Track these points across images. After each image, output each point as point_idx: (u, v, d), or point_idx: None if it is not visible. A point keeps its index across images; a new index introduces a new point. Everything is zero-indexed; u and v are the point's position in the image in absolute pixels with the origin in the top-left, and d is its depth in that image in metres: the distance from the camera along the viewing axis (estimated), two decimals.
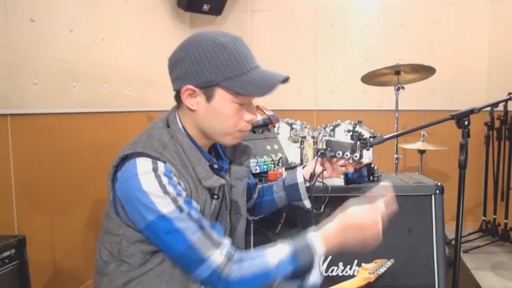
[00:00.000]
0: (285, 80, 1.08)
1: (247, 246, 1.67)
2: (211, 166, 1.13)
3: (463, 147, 1.56)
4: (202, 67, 1.04)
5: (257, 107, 2.24)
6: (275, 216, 1.58)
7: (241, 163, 1.29)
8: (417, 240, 1.64)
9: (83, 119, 2.34)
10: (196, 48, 1.05)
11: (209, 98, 1.06)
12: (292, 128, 2.52)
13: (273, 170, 1.91)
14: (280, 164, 1.96)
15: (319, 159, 1.34)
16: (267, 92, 1.05)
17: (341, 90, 3.75)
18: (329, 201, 1.63)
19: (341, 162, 1.36)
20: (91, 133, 2.40)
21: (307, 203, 1.40)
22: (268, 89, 1.05)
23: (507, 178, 3.13)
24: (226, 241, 1.05)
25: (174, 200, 0.99)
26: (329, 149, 1.33)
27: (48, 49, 2.10)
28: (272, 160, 1.95)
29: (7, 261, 1.51)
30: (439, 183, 1.67)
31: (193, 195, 1.07)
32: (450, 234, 2.41)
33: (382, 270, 1.21)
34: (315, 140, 2.49)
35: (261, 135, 2.12)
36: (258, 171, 1.88)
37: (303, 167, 1.42)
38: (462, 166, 1.58)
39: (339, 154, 1.31)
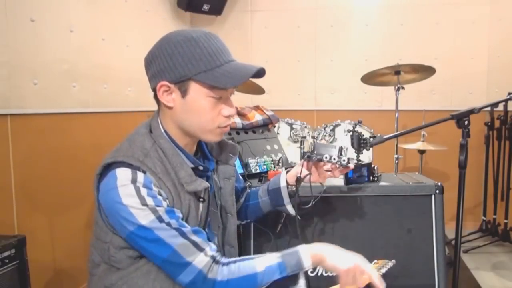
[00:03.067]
0: (260, 72, 1.09)
1: (247, 247, 1.68)
2: (196, 168, 1.13)
3: (463, 147, 1.56)
4: (175, 62, 1.03)
5: (257, 107, 2.24)
6: (275, 216, 1.58)
7: (227, 162, 1.28)
8: (417, 240, 1.64)
9: (83, 119, 2.34)
10: (168, 44, 1.05)
11: (184, 93, 1.06)
12: (292, 128, 2.51)
13: (273, 170, 1.91)
14: (280, 164, 1.96)
15: (305, 162, 1.30)
16: (239, 83, 1.05)
17: (341, 90, 3.75)
18: (329, 201, 1.64)
19: (328, 166, 1.29)
20: (91, 133, 2.40)
21: (290, 208, 1.37)
22: (241, 80, 1.05)
23: (507, 178, 3.13)
24: (213, 246, 1.05)
25: (154, 211, 0.99)
26: (315, 152, 1.27)
27: (48, 49, 2.10)
28: (272, 160, 1.95)
29: (7, 261, 1.51)
30: (439, 183, 1.67)
31: (175, 202, 1.07)
32: (450, 234, 2.41)
33: (383, 270, 1.21)
34: (315, 140, 2.48)
35: (261, 135, 2.12)
36: (258, 171, 1.88)
37: (287, 171, 1.39)
38: (462, 166, 1.59)
39: (326, 157, 1.26)
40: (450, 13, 3.54)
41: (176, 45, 1.04)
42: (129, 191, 0.99)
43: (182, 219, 1.06)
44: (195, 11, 3.54)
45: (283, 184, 1.36)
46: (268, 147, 2.08)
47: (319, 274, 1.63)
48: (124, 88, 2.75)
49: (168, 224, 1.00)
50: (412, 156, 3.35)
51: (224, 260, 1.04)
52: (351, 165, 1.28)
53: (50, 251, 2.12)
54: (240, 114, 2.10)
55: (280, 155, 2.07)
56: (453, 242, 2.73)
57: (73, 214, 2.28)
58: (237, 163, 1.80)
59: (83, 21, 2.35)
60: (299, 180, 1.31)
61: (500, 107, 3.02)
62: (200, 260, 1.00)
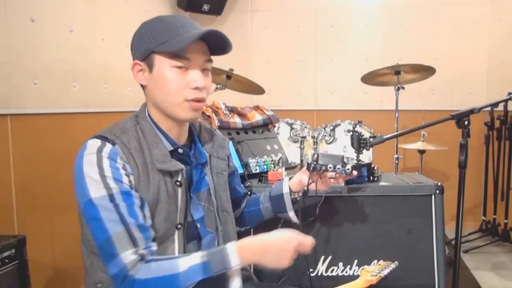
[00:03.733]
0: (215, 34, 1.05)
1: None
2: (175, 151, 1.13)
3: (463, 147, 1.56)
4: (142, 41, 1.07)
5: (257, 107, 2.24)
6: (274, 219, 1.58)
7: (219, 156, 1.27)
8: (417, 240, 1.64)
9: (83, 119, 2.34)
10: (139, 27, 1.10)
11: (150, 68, 1.07)
12: (292, 128, 2.51)
13: (273, 170, 1.91)
14: (280, 164, 1.96)
15: (310, 172, 1.30)
16: (186, 42, 1.02)
17: (341, 90, 3.75)
18: (329, 201, 1.64)
19: (331, 174, 1.31)
20: (91, 133, 2.35)
21: (292, 215, 1.36)
22: (188, 40, 1.02)
23: (507, 178, 3.13)
24: (153, 247, 1.01)
25: (107, 187, 0.98)
26: (320, 162, 1.30)
27: (48, 49, 2.10)
28: (272, 160, 1.95)
29: (7, 261, 1.51)
30: (439, 183, 1.67)
31: (142, 180, 1.04)
32: (450, 234, 2.41)
33: (385, 272, 1.20)
34: (315, 140, 2.48)
35: (261, 135, 2.12)
36: (258, 171, 1.88)
37: (289, 178, 1.38)
38: (462, 166, 1.59)
39: (330, 167, 1.28)
40: (450, 13, 3.54)
41: (143, 26, 1.09)
42: (91, 159, 1.00)
43: (142, 208, 1.02)
44: (195, 11, 3.54)
45: (285, 190, 1.35)
46: (268, 147, 2.08)
47: (319, 274, 1.64)
48: (124, 88, 2.75)
49: (116, 206, 0.97)
50: (412, 156, 3.35)
51: (150, 257, 0.99)
52: (355, 172, 1.30)
53: (50, 251, 2.12)
54: (240, 114, 2.10)
55: (280, 155, 2.07)
56: (453, 242, 2.73)
57: (73, 214, 2.25)
58: (237, 163, 1.80)
59: (83, 21, 2.35)
60: (305, 192, 1.32)
61: (500, 107, 3.03)
62: (127, 255, 0.96)
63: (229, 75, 2.55)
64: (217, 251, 0.99)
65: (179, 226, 1.10)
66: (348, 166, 1.28)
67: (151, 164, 1.07)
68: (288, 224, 1.36)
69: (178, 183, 1.10)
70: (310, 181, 1.31)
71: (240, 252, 0.98)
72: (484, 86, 3.56)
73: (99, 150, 1.01)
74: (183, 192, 1.11)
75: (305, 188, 1.32)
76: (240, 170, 1.80)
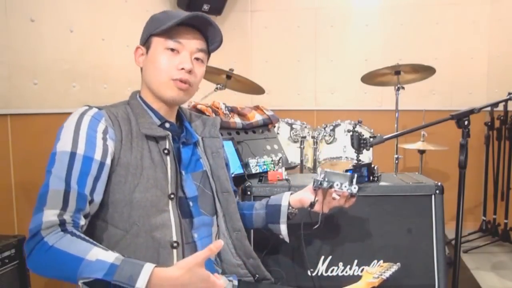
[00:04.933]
0: (201, 16, 1.13)
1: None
2: (162, 125, 1.17)
3: (463, 147, 1.57)
4: (145, 28, 1.18)
5: (257, 107, 2.24)
6: None
7: (212, 135, 1.29)
8: (417, 240, 1.64)
9: None
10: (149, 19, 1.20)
11: (147, 49, 1.16)
12: (292, 128, 2.51)
13: (273, 170, 1.90)
14: (280, 164, 1.96)
15: (315, 190, 1.28)
16: (174, 20, 1.09)
17: (341, 90, 3.75)
18: None
19: (337, 194, 1.26)
20: None
21: (283, 228, 1.32)
22: (175, 18, 1.10)
23: (507, 178, 3.13)
24: (80, 219, 0.96)
25: (74, 145, 1.00)
26: (326, 179, 1.26)
27: (48, 49, 2.10)
28: (272, 160, 1.94)
29: (7, 261, 1.51)
30: (439, 183, 1.67)
31: (123, 145, 1.06)
32: (450, 234, 2.41)
33: (387, 274, 1.19)
34: (315, 140, 2.49)
35: (261, 135, 2.12)
36: (258, 171, 1.88)
37: (291, 193, 1.36)
38: (462, 166, 1.59)
39: (337, 185, 1.25)
40: (450, 13, 3.54)
41: (151, 17, 1.19)
42: (73, 118, 1.05)
43: (96, 180, 1.00)
44: (195, 11, 3.54)
45: (284, 203, 1.33)
46: (268, 147, 2.08)
47: (319, 274, 1.63)
48: (124, 88, 2.74)
49: (70, 166, 0.98)
50: (412, 156, 3.35)
51: (73, 230, 0.93)
52: (353, 199, 1.28)
53: None
54: (240, 114, 2.10)
55: (280, 155, 2.07)
56: (453, 242, 2.73)
57: None
58: (237, 163, 1.80)
59: (83, 21, 2.35)
60: (312, 205, 1.29)
61: (500, 107, 3.02)
62: (49, 215, 0.92)
63: (229, 75, 2.56)
64: (134, 263, 0.88)
65: (171, 196, 1.10)
66: (355, 186, 1.24)
67: (136, 132, 1.10)
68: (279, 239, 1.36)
69: (165, 151, 1.12)
70: (316, 198, 1.28)
71: (154, 279, 0.86)
72: (484, 86, 3.56)
73: (83, 113, 1.06)
74: (171, 161, 1.12)
75: (311, 201, 1.28)
76: (240, 170, 1.80)
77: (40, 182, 1.02)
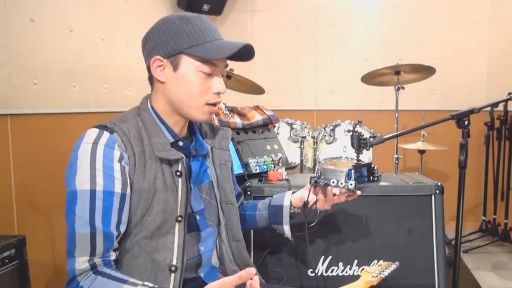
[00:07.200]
0: (248, 49, 1.07)
1: (247, 248, 1.67)
2: (176, 143, 1.12)
3: (463, 147, 1.56)
4: (168, 37, 1.07)
5: (257, 107, 2.24)
6: None
7: (222, 147, 1.27)
8: (417, 240, 1.64)
9: (83, 119, 2.34)
10: (163, 22, 1.09)
11: (175, 67, 1.07)
12: (292, 128, 2.51)
13: (273, 170, 1.90)
14: (280, 164, 1.96)
15: (312, 187, 1.27)
16: (227, 54, 1.04)
17: (341, 90, 3.75)
18: None
19: (335, 191, 1.27)
20: None
21: (287, 229, 1.32)
22: (229, 51, 1.04)
23: (507, 178, 3.13)
24: (111, 256, 1.01)
25: (93, 181, 0.98)
26: (322, 177, 1.26)
27: (48, 49, 2.10)
28: (272, 160, 1.94)
29: (7, 261, 1.51)
30: (439, 183, 1.67)
31: (137, 168, 1.04)
32: (450, 234, 2.41)
33: (385, 273, 1.19)
34: (315, 140, 2.49)
35: (261, 135, 2.12)
36: (258, 171, 1.88)
37: (292, 192, 1.36)
38: (462, 166, 1.59)
39: (333, 182, 1.25)
40: (450, 13, 3.54)
41: (170, 23, 1.08)
42: (86, 149, 1.01)
43: (120, 212, 1.00)
44: (195, 11, 3.54)
45: (286, 203, 1.33)
46: (268, 147, 2.08)
47: (319, 274, 1.63)
48: (124, 88, 2.75)
49: (92, 206, 0.98)
50: (412, 156, 3.35)
51: (104, 269, 0.98)
52: (358, 192, 1.27)
53: (50, 251, 2.12)
54: (240, 114, 2.10)
55: (280, 155, 2.07)
56: (453, 242, 2.73)
57: None
58: (237, 163, 1.80)
59: (83, 21, 2.35)
60: (305, 204, 1.29)
61: (500, 107, 3.03)
62: (81, 262, 0.99)
63: (229, 75, 2.55)
64: None
65: (179, 218, 1.08)
66: (352, 182, 1.23)
67: (150, 153, 1.06)
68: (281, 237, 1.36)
69: (178, 173, 1.09)
70: (316, 197, 1.27)
71: None
72: (484, 86, 3.56)
73: (96, 142, 1.01)
74: (183, 183, 1.10)
75: (305, 201, 1.28)
76: (240, 170, 1.80)
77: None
